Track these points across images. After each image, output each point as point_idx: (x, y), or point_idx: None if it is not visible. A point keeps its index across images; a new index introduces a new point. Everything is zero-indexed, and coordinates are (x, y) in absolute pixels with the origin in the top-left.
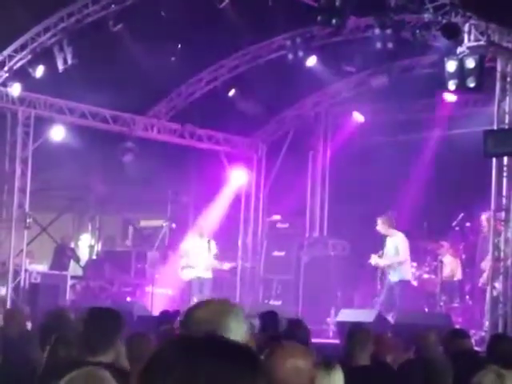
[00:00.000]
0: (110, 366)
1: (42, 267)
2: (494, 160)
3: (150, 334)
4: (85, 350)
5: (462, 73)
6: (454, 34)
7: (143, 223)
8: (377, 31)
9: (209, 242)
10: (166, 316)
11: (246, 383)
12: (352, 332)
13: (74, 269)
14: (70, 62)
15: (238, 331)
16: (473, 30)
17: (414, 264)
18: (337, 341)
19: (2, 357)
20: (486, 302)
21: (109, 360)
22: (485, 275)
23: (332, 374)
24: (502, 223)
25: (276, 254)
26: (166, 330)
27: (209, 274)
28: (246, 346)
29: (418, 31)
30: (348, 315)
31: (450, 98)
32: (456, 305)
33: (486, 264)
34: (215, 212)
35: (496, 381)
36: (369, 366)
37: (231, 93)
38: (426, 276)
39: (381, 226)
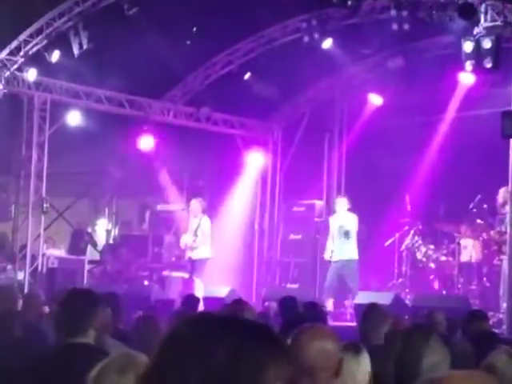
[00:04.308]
0: (90, 346)
1: (60, 252)
2: (511, 141)
3: (162, 317)
4: (64, 332)
5: (478, 53)
6: (470, 14)
7: (160, 207)
8: (393, 12)
9: (200, 220)
10: (189, 300)
11: (266, 358)
12: (366, 311)
13: (91, 253)
14: (85, 46)
15: None
16: (489, 11)
17: (432, 246)
18: (354, 323)
19: (22, 341)
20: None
21: (90, 340)
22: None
23: (360, 357)
24: None
25: (292, 237)
26: (181, 313)
27: (198, 255)
28: (265, 323)
29: (434, 12)
30: (366, 298)
31: (467, 78)
32: (473, 287)
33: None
34: (235, 200)
35: (508, 361)
36: (383, 344)
37: (247, 76)
38: (443, 258)
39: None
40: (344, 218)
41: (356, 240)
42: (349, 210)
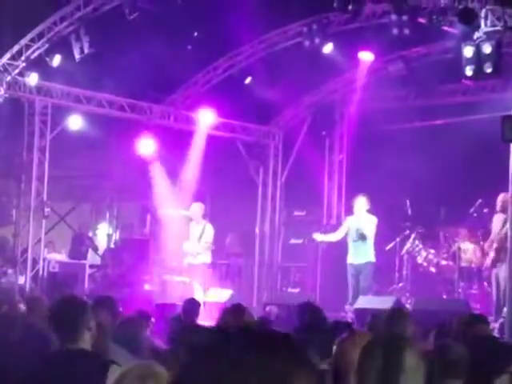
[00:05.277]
0: (85, 352)
1: (61, 256)
2: (511, 145)
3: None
4: (59, 339)
5: (478, 58)
6: (470, 19)
7: (161, 211)
8: (393, 17)
9: (204, 227)
10: (190, 304)
11: (292, 369)
12: (392, 316)
13: (92, 257)
14: (86, 51)
15: None
16: (489, 15)
17: (432, 251)
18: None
19: (23, 346)
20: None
21: (85, 345)
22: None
23: None
24: None
25: (293, 241)
26: (181, 317)
27: (198, 260)
28: (287, 334)
29: (434, 17)
30: (366, 302)
31: (467, 83)
32: (474, 291)
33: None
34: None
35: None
36: None
37: (247, 81)
38: (443, 262)
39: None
40: (361, 220)
41: (373, 242)
42: (368, 211)
